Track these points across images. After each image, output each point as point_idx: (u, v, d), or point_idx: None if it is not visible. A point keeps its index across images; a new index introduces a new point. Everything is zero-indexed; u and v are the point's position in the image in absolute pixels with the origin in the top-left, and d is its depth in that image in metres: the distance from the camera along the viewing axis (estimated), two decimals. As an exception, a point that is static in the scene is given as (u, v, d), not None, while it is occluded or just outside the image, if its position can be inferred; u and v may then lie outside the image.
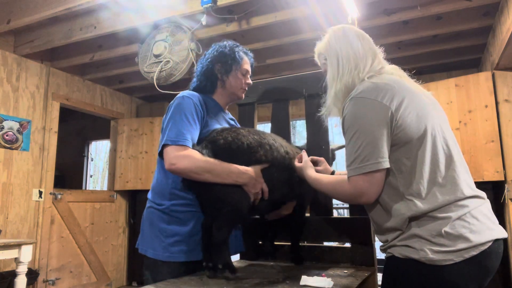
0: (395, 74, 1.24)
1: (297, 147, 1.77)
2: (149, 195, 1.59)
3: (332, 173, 1.58)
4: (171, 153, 1.39)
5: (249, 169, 1.40)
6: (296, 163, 1.51)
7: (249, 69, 1.70)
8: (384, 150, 1.10)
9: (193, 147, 1.42)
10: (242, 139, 1.44)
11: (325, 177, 1.33)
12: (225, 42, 1.69)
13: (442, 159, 1.11)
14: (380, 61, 1.28)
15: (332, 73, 1.27)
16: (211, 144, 1.45)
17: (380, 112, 1.10)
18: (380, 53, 1.30)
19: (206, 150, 1.41)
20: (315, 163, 1.57)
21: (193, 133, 1.45)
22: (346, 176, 1.16)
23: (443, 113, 1.24)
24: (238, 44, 1.71)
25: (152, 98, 5.51)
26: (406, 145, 1.11)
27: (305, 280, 1.26)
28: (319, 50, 1.36)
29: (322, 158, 1.61)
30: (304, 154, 1.52)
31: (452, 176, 1.10)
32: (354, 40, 1.27)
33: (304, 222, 1.75)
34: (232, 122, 1.74)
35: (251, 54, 1.75)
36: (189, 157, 1.37)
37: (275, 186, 1.47)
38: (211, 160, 1.37)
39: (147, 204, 1.59)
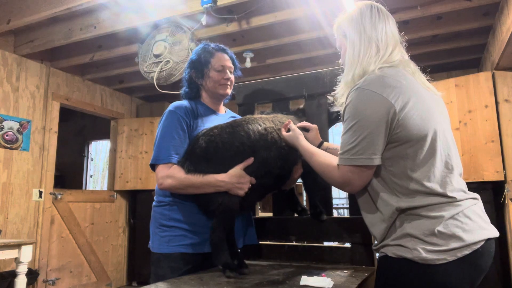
0: (408, 70, 1.20)
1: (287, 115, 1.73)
2: (154, 197, 1.66)
3: (321, 143, 1.58)
4: (158, 173, 1.51)
5: (227, 176, 1.43)
6: (284, 133, 1.50)
7: (226, 64, 1.69)
8: (379, 148, 1.10)
9: (178, 162, 1.50)
10: (216, 139, 1.46)
11: (320, 155, 1.30)
12: (197, 47, 1.73)
13: (439, 164, 1.10)
14: (400, 50, 1.24)
15: (353, 54, 1.21)
16: (191, 155, 1.49)
17: (383, 109, 1.08)
18: (402, 42, 1.25)
19: (187, 163, 1.47)
20: (306, 130, 1.58)
21: (179, 147, 1.53)
22: (336, 162, 1.17)
23: (447, 116, 1.22)
24: (209, 43, 1.73)
25: (152, 98, 5.51)
26: (405, 144, 1.10)
27: (305, 280, 1.26)
28: (340, 22, 1.29)
29: (314, 126, 1.61)
30: (290, 123, 1.51)
31: (445, 181, 1.09)
32: (379, 22, 1.21)
33: (315, 177, 1.65)
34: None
35: (225, 48, 1.73)
36: (173, 177, 1.47)
37: (267, 164, 1.48)
38: (190, 176, 1.45)
39: (152, 204, 1.66)
